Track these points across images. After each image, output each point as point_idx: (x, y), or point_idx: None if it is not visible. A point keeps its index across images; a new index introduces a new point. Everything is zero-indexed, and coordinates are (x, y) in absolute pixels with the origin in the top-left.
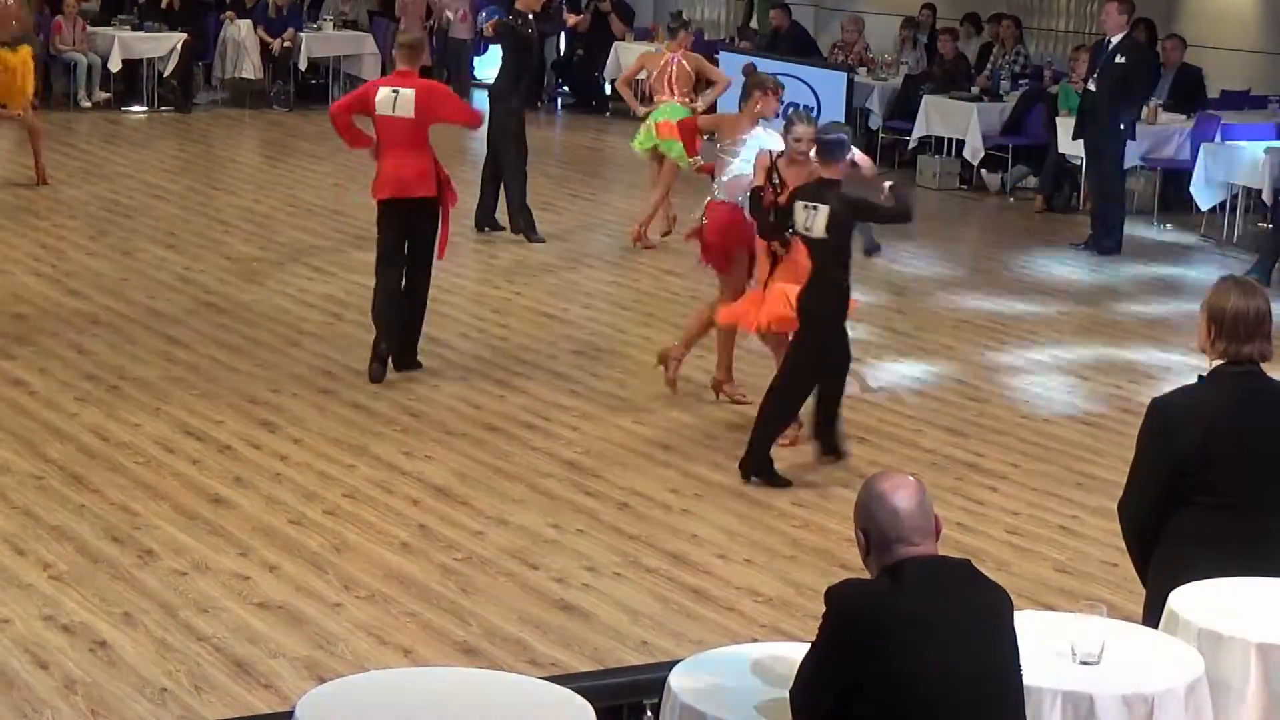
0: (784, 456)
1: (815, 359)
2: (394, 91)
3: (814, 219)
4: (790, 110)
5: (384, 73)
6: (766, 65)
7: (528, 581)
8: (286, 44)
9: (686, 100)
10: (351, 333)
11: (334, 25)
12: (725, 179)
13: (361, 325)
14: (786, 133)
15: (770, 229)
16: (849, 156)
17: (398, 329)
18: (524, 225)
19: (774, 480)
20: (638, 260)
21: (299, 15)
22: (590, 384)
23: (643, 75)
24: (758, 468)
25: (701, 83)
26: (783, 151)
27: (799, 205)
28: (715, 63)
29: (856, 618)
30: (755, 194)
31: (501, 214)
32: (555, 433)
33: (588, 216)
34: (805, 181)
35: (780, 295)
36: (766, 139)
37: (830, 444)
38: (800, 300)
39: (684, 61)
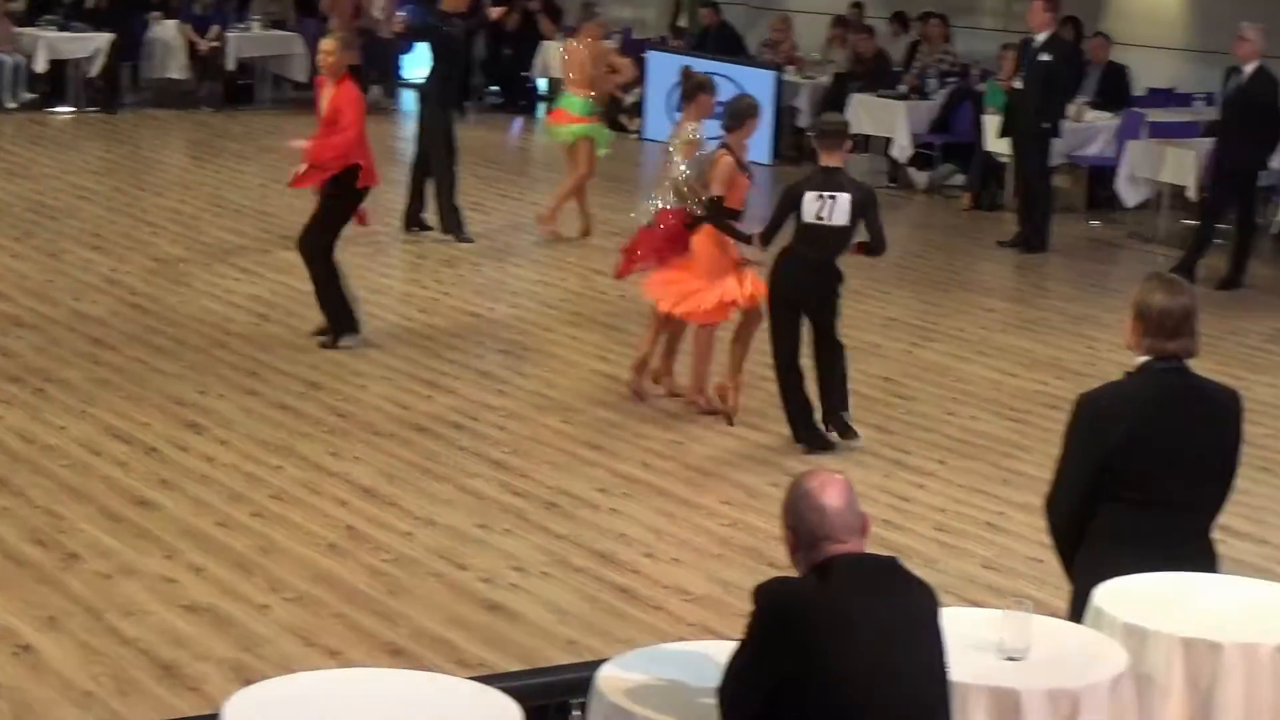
0: (726, 446)
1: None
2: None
3: (833, 208)
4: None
5: (313, 73)
6: (695, 64)
7: (455, 582)
8: (214, 44)
9: (586, 90)
10: (278, 334)
11: (261, 25)
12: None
13: (288, 326)
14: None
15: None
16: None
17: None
18: (453, 225)
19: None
20: (565, 259)
21: (225, 13)
22: (518, 383)
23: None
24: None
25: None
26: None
27: (810, 195)
28: (643, 62)
29: (784, 616)
30: (716, 201)
31: (430, 214)
32: (483, 432)
33: (516, 216)
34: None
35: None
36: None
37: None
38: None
39: (587, 50)
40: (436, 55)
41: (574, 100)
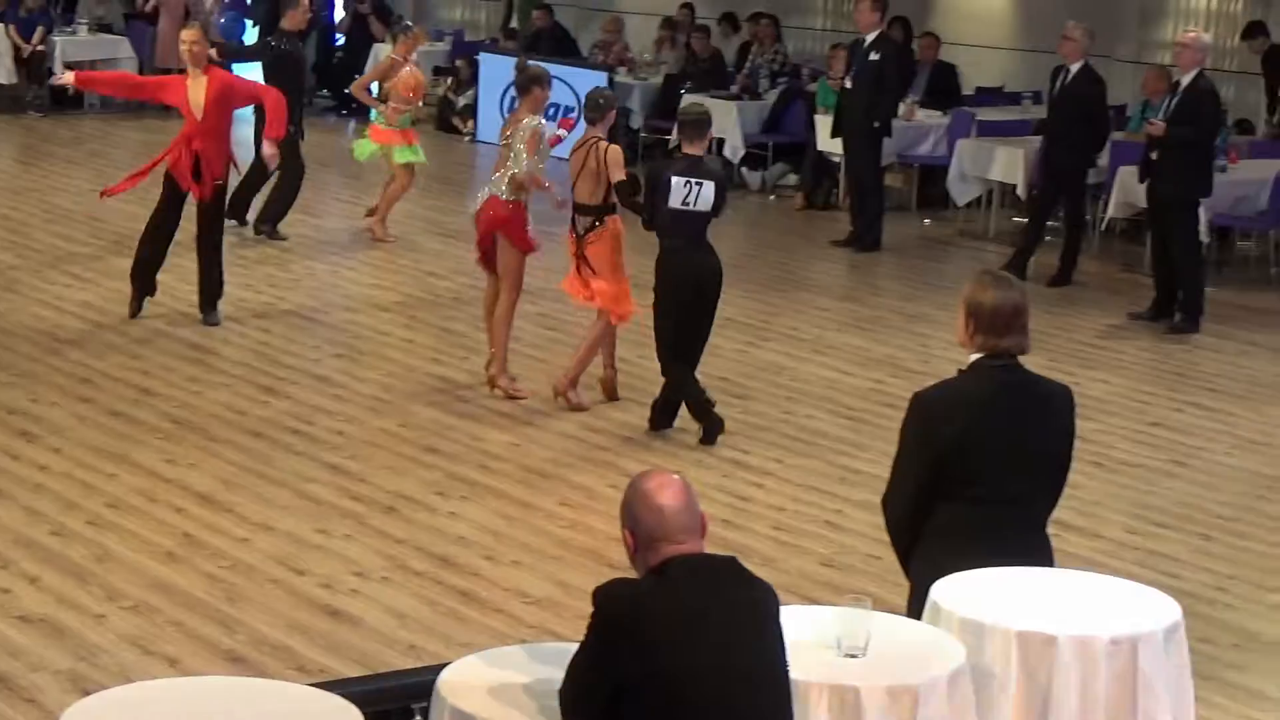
0: (564, 448)
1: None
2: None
3: (698, 194)
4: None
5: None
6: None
7: (294, 587)
8: (39, 47)
9: (389, 106)
10: (111, 340)
11: (89, 29)
12: (505, 172)
13: (120, 332)
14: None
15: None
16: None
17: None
18: (269, 227)
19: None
20: (399, 262)
21: (48, 14)
22: (354, 387)
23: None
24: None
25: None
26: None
27: (678, 182)
28: (475, 64)
29: (623, 617)
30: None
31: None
32: (320, 437)
33: (349, 220)
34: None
35: None
36: (547, 128)
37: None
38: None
39: (389, 64)
40: (274, 76)
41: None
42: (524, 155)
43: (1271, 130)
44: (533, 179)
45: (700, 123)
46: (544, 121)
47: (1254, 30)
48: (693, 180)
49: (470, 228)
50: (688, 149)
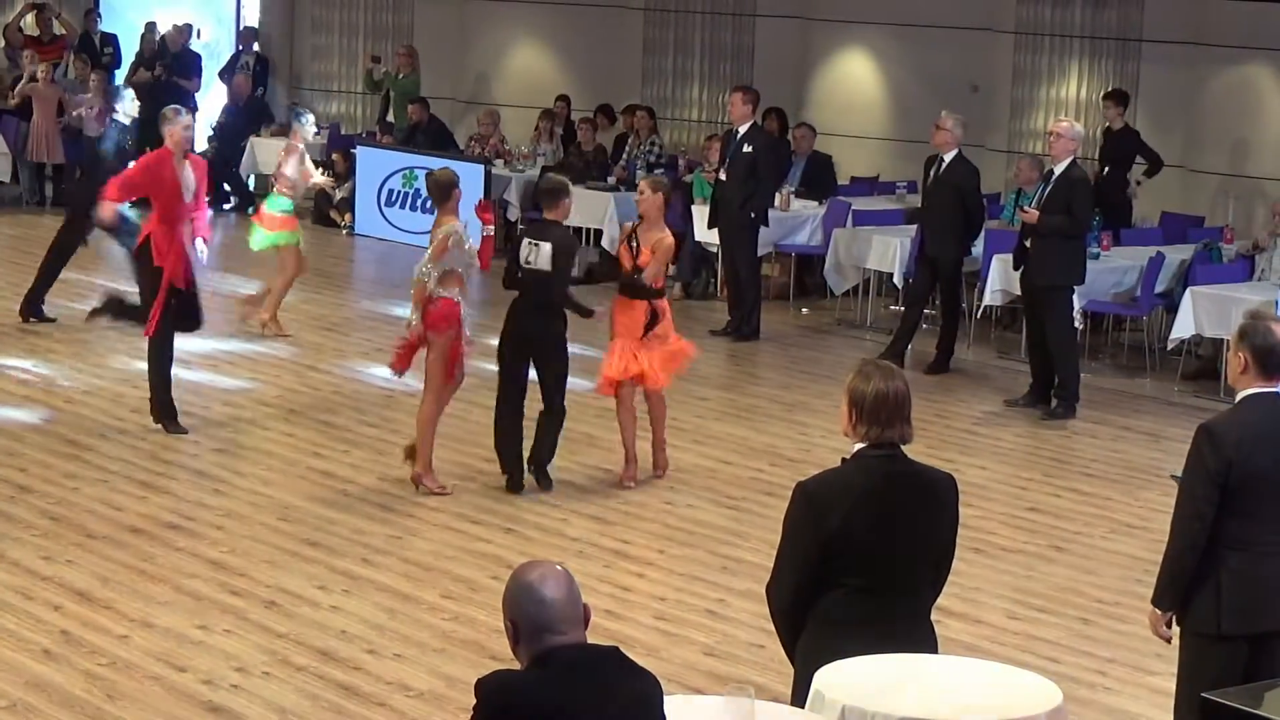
0: (445, 540)
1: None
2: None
3: (537, 253)
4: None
5: (14, 173)
6: (405, 160)
7: (175, 684)
8: None
9: (288, 191)
10: None
11: None
12: (437, 272)
13: None
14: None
15: (640, 289)
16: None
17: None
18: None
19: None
20: (279, 357)
21: None
22: (234, 482)
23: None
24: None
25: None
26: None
27: (524, 241)
28: (352, 158)
29: (506, 709)
30: (612, 261)
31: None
32: (200, 532)
33: (227, 314)
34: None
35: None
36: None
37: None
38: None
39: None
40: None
41: (279, 201)
42: (427, 261)
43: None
44: (421, 285)
45: (553, 190)
46: (460, 225)
47: (1118, 98)
48: (533, 240)
49: (350, 320)
50: (545, 216)
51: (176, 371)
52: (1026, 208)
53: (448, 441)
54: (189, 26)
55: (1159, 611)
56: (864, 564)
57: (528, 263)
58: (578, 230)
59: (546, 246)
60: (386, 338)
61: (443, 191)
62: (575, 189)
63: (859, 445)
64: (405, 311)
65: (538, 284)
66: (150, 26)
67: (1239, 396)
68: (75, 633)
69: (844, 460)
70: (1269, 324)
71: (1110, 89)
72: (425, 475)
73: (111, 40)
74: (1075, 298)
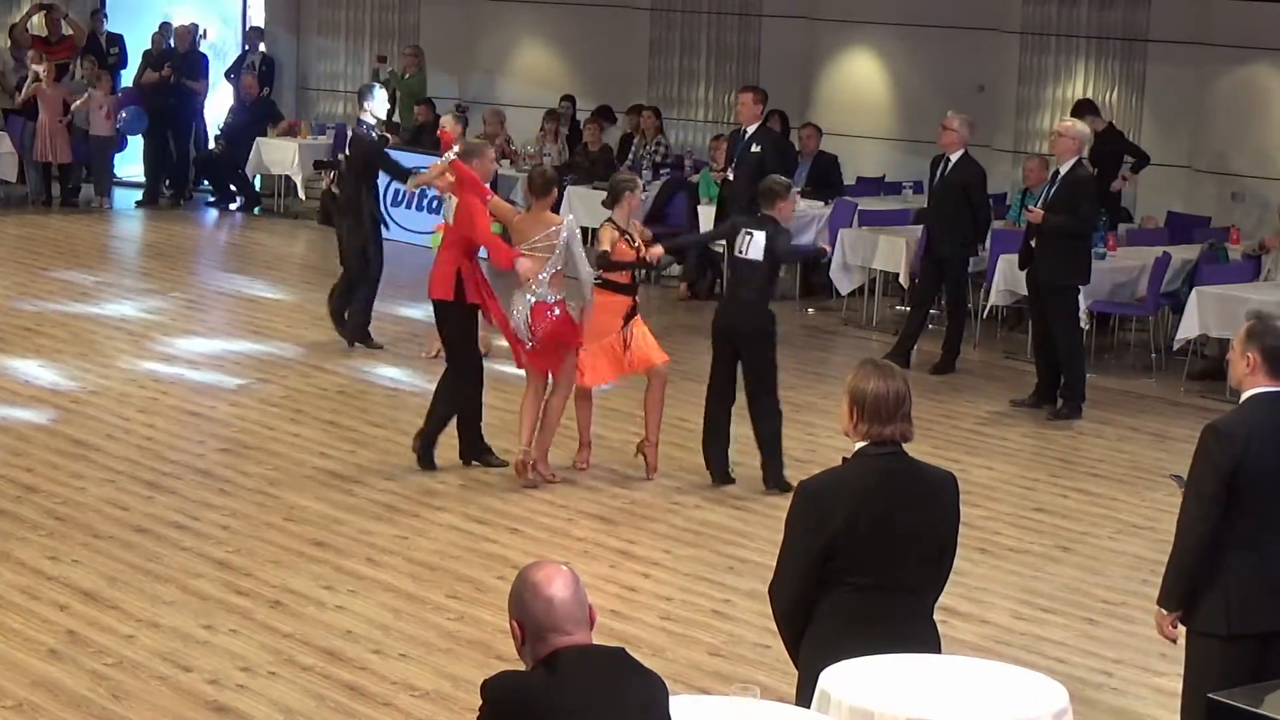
0: (451, 540)
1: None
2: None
3: (750, 243)
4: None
5: (20, 173)
6: (408, 159)
7: (181, 684)
8: None
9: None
10: None
11: None
12: (548, 274)
13: (2, 429)
14: (626, 192)
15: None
16: None
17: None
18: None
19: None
20: (285, 357)
21: None
22: (240, 482)
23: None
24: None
25: None
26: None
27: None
28: None
29: (512, 710)
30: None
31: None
32: (205, 532)
33: (234, 314)
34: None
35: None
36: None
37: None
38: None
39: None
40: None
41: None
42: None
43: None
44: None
45: (539, 182)
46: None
47: (1082, 109)
48: (748, 231)
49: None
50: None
51: (182, 371)
52: (1032, 208)
53: (455, 441)
54: (195, 26)
55: (1165, 612)
56: (866, 562)
57: (741, 251)
58: (584, 230)
59: (760, 236)
60: (392, 337)
61: (546, 186)
62: (581, 189)
63: (860, 444)
64: (412, 312)
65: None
66: (164, 27)
67: (1244, 396)
68: (81, 632)
69: (845, 460)
70: (1276, 324)
71: (1082, 97)
72: (541, 462)
73: (118, 41)
74: (1081, 297)
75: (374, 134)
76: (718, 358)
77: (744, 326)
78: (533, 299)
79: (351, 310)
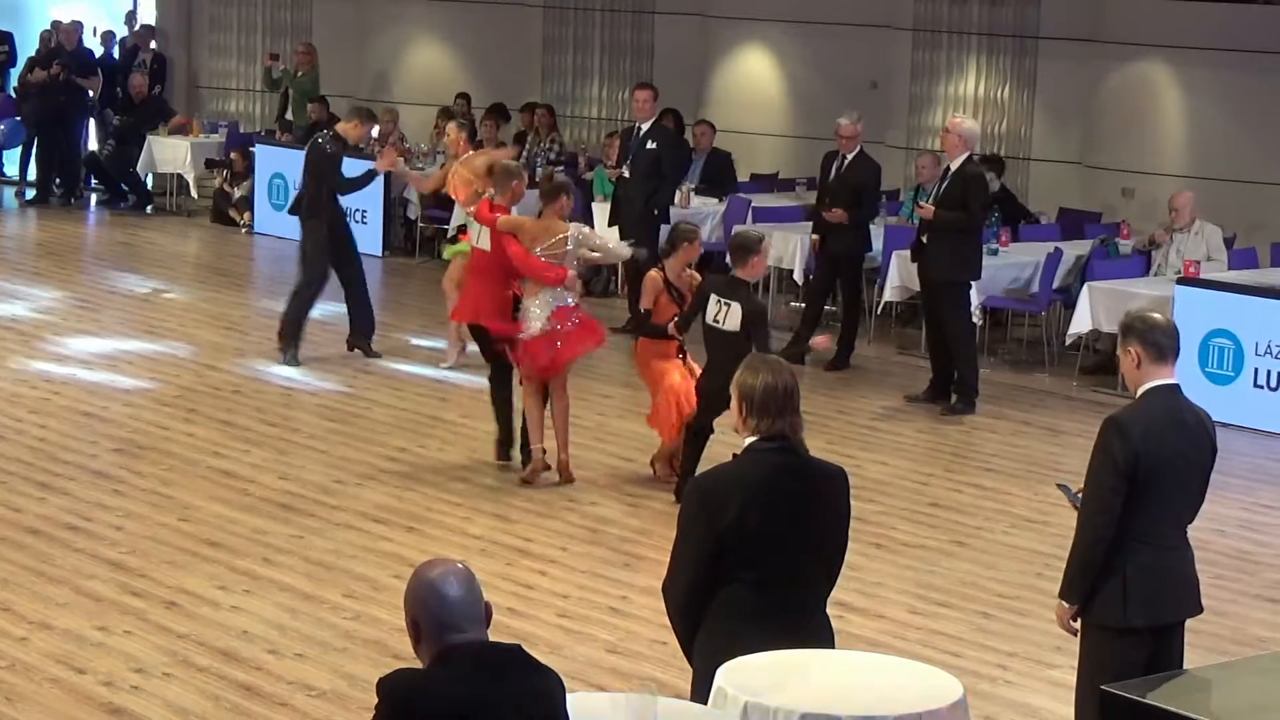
0: (347, 539)
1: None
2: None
3: (727, 313)
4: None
5: None
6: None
7: (74, 686)
8: None
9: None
10: None
11: None
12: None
13: None
14: (684, 242)
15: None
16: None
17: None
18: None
19: None
20: (178, 356)
21: None
22: (133, 482)
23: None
24: None
25: None
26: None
27: (713, 299)
28: (251, 156)
29: (408, 708)
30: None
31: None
32: (99, 533)
33: (127, 313)
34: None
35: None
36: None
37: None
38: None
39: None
40: None
41: None
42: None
43: None
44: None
45: (547, 189)
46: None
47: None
48: (723, 300)
49: (249, 318)
50: (739, 273)
51: (74, 371)
52: (922, 203)
53: (350, 440)
54: (80, 24)
55: (1066, 605)
56: (759, 557)
57: (716, 321)
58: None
59: (736, 307)
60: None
61: (554, 192)
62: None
63: (750, 439)
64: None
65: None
66: (56, 25)
67: (1140, 391)
68: None
69: (735, 455)
70: (1150, 315)
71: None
72: (565, 463)
73: (8, 38)
74: (974, 293)
75: (327, 145)
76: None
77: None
78: (555, 303)
79: (290, 307)
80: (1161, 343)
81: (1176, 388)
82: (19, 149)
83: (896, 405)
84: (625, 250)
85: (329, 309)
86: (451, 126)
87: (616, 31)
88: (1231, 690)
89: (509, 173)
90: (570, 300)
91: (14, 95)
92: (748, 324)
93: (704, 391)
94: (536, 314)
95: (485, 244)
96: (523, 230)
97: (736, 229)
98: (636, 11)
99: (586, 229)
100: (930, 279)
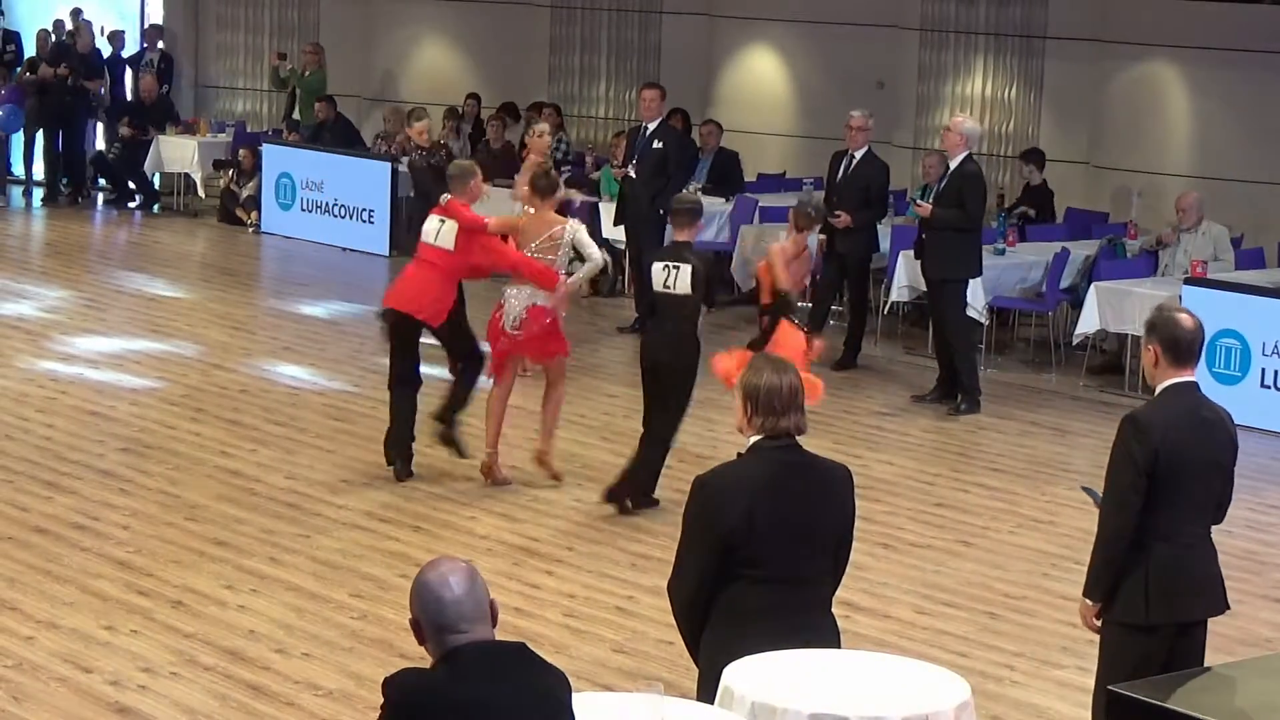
0: (353, 539)
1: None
2: (440, 221)
3: (676, 276)
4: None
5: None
6: (310, 157)
7: (81, 685)
8: None
9: None
10: None
11: None
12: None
13: None
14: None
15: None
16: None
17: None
18: None
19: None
20: (185, 356)
21: None
22: (140, 482)
23: None
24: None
25: None
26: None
27: (658, 266)
28: (258, 155)
29: (413, 708)
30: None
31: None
32: (106, 532)
33: (134, 313)
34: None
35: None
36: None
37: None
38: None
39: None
40: None
41: None
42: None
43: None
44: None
45: (689, 211)
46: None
47: (1031, 155)
48: (670, 265)
49: (256, 318)
50: (677, 236)
51: (81, 370)
52: (920, 202)
53: (356, 439)
54: (89, 24)
55: (1090, 603)
56: (763, 555)
57: (666, 286)
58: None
59: (687, 269)
60: (292, 336)
61: (550, 187)
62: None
63: (755, 438)
64: (311, 310)
65: (675, 306)
66: (59, 25)
67: (1159, 388)
68: None
69: (740, 454)
70: (1174, 314)
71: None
72: (548, 458)
73: (14, 38)
74: (977, 292)
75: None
76: (648, 392)
77: (675, 363)
78: (534, 301)
79: None
80: (1180, 343)
81: (1195, 385)
82: (19, 150)
83: (903, 405)
84: (600, 262)
85: (337, 308)
86: (543, 128)
87: (623, 31)
88: (1237, 690)
89: (465, 171)
90: (548, 304)
91: (19, 86)
92: (698, 282)
93: (657, 365)
94: (514, 304)
95: (447, 243)
96: (517, 229)
97: (675, 196)
98: (643, 11)
99: (582, 227)
100: (928, 277)
